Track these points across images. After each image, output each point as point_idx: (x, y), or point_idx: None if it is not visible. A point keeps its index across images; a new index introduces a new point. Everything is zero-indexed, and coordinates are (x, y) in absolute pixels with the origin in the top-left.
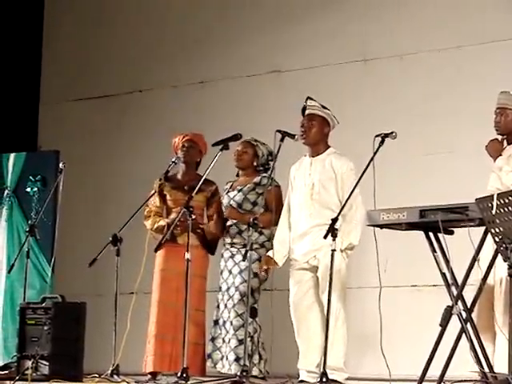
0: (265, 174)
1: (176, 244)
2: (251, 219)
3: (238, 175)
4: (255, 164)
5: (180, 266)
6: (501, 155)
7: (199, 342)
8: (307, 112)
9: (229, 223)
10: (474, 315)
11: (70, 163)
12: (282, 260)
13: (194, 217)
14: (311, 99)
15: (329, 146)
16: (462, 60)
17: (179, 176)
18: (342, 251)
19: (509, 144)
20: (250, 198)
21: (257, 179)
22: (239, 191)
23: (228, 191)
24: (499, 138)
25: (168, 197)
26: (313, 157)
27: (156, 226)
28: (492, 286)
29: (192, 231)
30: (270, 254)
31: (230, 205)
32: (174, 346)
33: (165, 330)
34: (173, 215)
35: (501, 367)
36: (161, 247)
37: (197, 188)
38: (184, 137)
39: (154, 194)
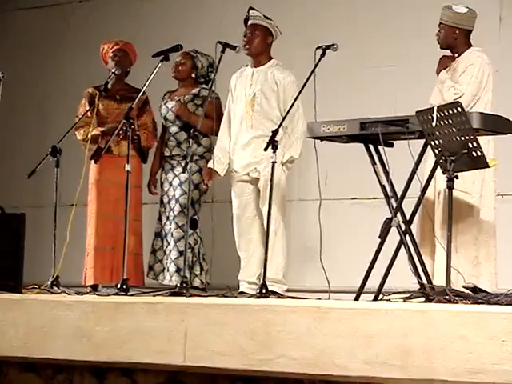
0: (204, 86)
1: (111, 154)
2: (191, 131)
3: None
4: (193, 75)
5: (116, 176)
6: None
7: (139, 251)
8: (250, 22)
9: (167, 136)
10: (414, 228)
11: (10, 74)
12: (224, 170)
13: (133, 127)
14: (254, 9)
15: (271, 58)
16: None
17: (110, 85)
18: (282, 164)
19: (454, 59)
20: (190, 108)
21: (195, 90)
22: (178, 102)
23: (166, 101)
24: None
25: (100, 106)
26: (255, 67)
27: (90, 135)
28: (432, 199)
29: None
30: (210, 165)
31: (179, 101)
32: (115, 257)
33: (104, 241)
34: (108, 124)
35: (440, 280)
36: (99, 157)
37: (136, 100)
38: (114, 45)
39: (85, 104)
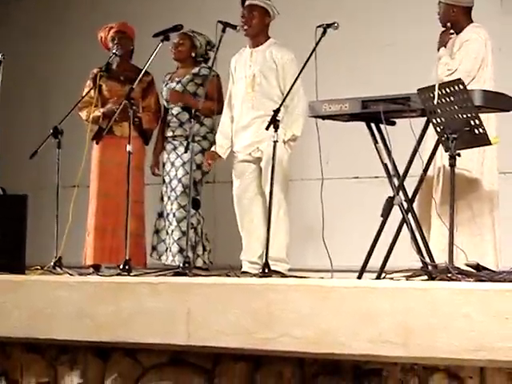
0: (204, 65)
1: (113, 135)
2: (193, 111)
3: (177, 67)
4: (193, 55)
5: (118, 157)
6: (445, 46)
7: (140, 233)
8: (247, 2)
9: (169, 117)
10: (415, 206)
11: (11, 56)
12: (226, 153)
13: (135, 108)
14: None
15: (269, 37)
16: None
17: (114, 66)
18: (284, 142)
19: (456, 34)
20: (190, 89)
21: (195, 70)
22: (178, 82)
23: (167, 83)
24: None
25: (104, 87)
26: (253, 48)
27: (91, 116)
28: (432, 176)
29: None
30: (212, 149)
31: (172, 88)
32: (115, 238)
33: (105, 222)
34: (109, 105)
35: (435, 258)
36: (100, 138)
37: (137, 81)
38: (110, 29)
39: (90, 85)
